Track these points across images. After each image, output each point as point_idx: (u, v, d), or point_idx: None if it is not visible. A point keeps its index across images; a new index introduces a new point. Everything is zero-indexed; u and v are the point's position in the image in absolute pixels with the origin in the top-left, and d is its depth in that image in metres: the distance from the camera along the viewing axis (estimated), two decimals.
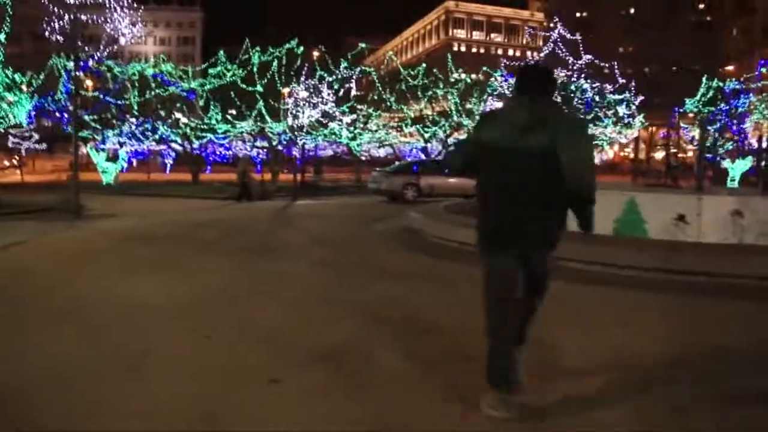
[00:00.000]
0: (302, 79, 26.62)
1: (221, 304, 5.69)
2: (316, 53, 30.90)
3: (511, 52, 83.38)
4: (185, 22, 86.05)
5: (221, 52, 26.84)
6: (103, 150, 28.09)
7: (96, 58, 25.00)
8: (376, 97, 30.32)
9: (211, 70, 27.48)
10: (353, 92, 30.42)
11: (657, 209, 9.21)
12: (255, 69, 27.25)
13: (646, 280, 6.66)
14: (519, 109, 3.13)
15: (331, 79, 27.16)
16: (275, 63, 25.87)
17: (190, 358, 4.11)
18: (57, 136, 31.57)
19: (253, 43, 27.33)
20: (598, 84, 32.12)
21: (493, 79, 29.98)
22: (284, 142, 28.44)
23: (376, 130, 31.73)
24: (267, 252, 9.22)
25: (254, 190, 20.44)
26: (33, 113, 25.87)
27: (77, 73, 18.31)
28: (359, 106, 29.45)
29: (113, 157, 29.65)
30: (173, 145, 31.21)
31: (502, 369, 3.12)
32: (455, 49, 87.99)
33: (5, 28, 16.54)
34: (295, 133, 25.89)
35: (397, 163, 24.96)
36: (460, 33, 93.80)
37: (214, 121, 28.35)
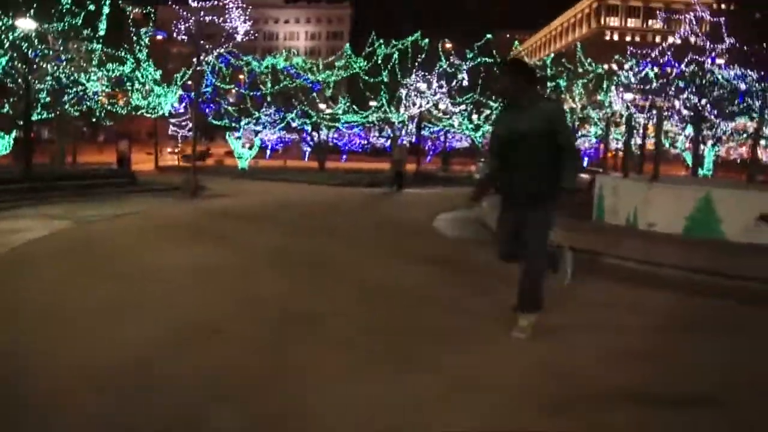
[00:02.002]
0: (417, 70, 26.88)
1: (237, 270, 6.19)
2: (448, 45, 31.01)
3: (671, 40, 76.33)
4: (335, 18, 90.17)
5: (347, 45, 27.91)
6: (239, 138, 30.59)
7: (226, 54, 27.23)
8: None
9: (337, 63, 28.74)
10: (478, 83, 30.08)
11: (736, 207, 8.23)
12: (379, 60, 28.11)
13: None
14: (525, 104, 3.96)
15: (451, 70, 27.14)
16: (396, 54, 26.41)
17: (175, 302, 4.60)
18: (208, 125, 34.90)
19: (396, 37, 28.07)
20: None
21: (623, 68, 27.93)
22: (405, 132, 28.98)
23: None
24: (318, 232, 9.70)
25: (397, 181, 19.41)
26: (184, 104, 29.08)
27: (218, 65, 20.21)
28: (480, 98, 29.08)
29: (251, 145, 32.23)
30: (304, 134, 33.00)
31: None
32: (607, 38, 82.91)
33: (149, 31, 18.77)
34: (410, 122, 26.30)
35: None
36: (614, 21, 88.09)
37: (340, 111, 29.66)
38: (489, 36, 30.12)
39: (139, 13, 18.32)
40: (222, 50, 24.83)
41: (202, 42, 21.73)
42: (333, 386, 3.24)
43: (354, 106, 30.46)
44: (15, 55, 15.06)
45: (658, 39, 77.01)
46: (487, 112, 29.75)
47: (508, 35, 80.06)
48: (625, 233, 8.71)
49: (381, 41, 26.88)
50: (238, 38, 22.92)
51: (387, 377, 3.39)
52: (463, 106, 28.55)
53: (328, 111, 29.31)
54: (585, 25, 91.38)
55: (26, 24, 14.41)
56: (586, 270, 6.36)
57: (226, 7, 20.52)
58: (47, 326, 4.25)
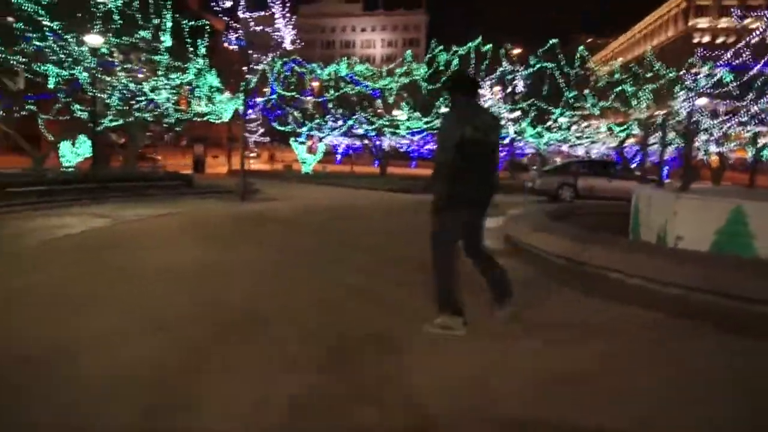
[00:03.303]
0: (477, 76, 26.52)
1: (228, 271, 6.38)
2: (516, 50, 30.55)
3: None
4: (411, 25, 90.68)
5: (408, 52, 28.03)
6: (302, 143, 31.35)
7: (290, 62, 28.03)
8: (569, 96, 28.87)
9: (397, 70, 28.93)
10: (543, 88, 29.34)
11: None
12: (440, 66, 28.06)
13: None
14: (481, 112, 4.43)
15: (509, 76, 26.67)
16: (456, 60, 26.26)
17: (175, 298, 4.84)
18: (276, 131, 36.00)
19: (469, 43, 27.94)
20: None
21: (693, 70, 26.31)
22: None
23: (566, 128, 30.24)
24: (340, 235, 9.77)
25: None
26: (251, 111, 30.23)
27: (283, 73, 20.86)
28: (545, 105, 28.34)
29: (314, 150, 32.97)
30: (369, 140, 33.38)
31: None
32: (695, 40, 78.48)
33: (205, 42, 19.70)
34: None
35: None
36: (702, 23, 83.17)
37: (403, 118, 29.80)
38: (554, 41, 29.33)
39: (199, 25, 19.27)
40: (274, 56, 25.53)
41: (252, 52, 22.47)
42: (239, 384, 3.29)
43: (417, 113, 30.52)
44: (84, 67, 16.19)
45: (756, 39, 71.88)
46: (550, 120, 28.90)
47: (589, 40, 77.49)
48: (636, 248, 8.16)
49: (441, 47, 26.83)
50: (288, 47, 23.47)
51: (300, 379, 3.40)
52: (518, 113, 27.92)
53: (391, 117, 29.49)
54: (672, 27, 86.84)
55: (94, 39, 15.49)
56: (563, 282, 6.18)
57: (274, 16, 21.17)
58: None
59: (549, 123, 28.71)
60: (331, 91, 29.58)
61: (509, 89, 27.86)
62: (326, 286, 5.91)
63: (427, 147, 44.99)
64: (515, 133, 28.43)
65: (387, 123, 29.23)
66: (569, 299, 5.59)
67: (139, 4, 17.33)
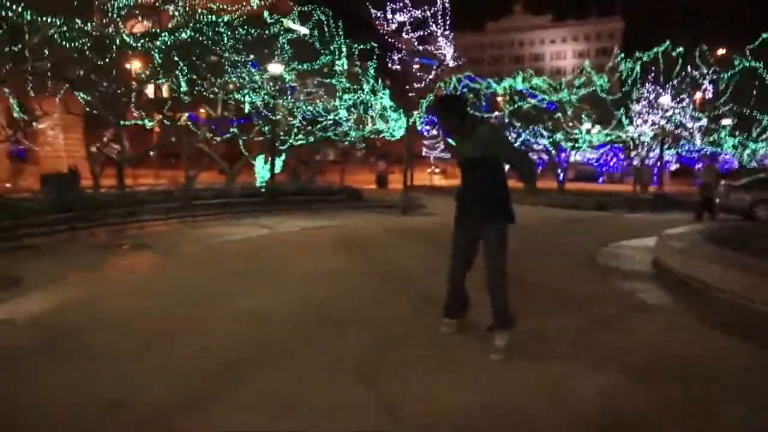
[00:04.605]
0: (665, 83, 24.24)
1: (339, 279, 6.79)
2: (721, 51, 27.60)
3: None
4: (604, 34, 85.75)
5: (586, 63, 26.71)
6: None
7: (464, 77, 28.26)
8: None
9: (576, 81, 27.70)
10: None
11: None
12: (623, 76, 26.28)
13: None
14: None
15: (702, 81, 23.97)
16: (637, 67, 24.38)
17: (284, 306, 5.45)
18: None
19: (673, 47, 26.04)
20: None
21: None
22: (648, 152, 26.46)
23: None
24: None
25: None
26: (429, 128, 31.14)
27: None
28: (751, 112, 24.94)
29: None
30: (545, 155, 32.35)
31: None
32: None
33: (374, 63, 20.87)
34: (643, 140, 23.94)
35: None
36: None
37: (583, 131, 28.43)
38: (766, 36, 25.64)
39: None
40: (437, 72, 25.92)
41: (417, 71, 23.13)
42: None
43: (598, 125, 28.85)
44: (268, 92, 18.17)
45: None
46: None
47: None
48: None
49: (621, 54, 25.04)
50: (450, 63, 23.72)
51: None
52: (704, 121, 24.81)
53: (569, 131, 28.27)
54: None
55: (275, 68, 17.35)
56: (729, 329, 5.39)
57: (434, 34, 21.61)
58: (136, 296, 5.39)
59: (757, 131, 25.13)
60: (507, 106, 29.27)
61: (703, 95, 24.94)
62: (414, 297, 5.96)
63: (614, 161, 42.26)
64: (709, 144, 25.37)
65: (563, 137, 28.01)
66: (738, 354, 4.42)
67: (318, 32, 18.99)
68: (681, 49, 25.15)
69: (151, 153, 36.87)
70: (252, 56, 17.81)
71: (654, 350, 4.44)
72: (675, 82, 25.09)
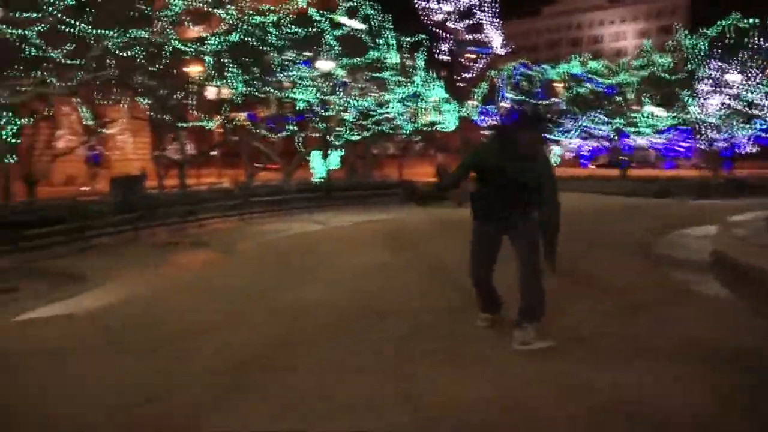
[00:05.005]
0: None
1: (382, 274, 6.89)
2: None
3: None
4: (665, 11, 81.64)
5: (646, 42, 25.66)
6: None
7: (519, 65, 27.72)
8: None
9: (634, 62, 26.69)
10: None
11: None
12: (686, 54, 25.12)
13: None
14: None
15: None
16: (701, 44, 23.19)
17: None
18: None
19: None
20: None
21: None
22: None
23: None
24: None
25: None
26: (484, 118, 30.88)
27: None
28: None
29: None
30: (605, 141, 31.36)
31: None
32: None
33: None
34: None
35: None
36: None
37: (641, 116, 27.39)
38: None
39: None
40: (485, 61, 25.43)
41: (463, 60, 22.79)
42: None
43: (661, 108, 27.66)
44: (319, 89, 18.46)
45: None
46: None
47: None
48: None
49: (685, 31, 23.82)
50: (499, 51, 23.23)
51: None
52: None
53: (627, 115, 27.28)
54: None
55: (324, 65, 17.62)
56: None
57: (482, 23, 21.21)
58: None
59: None
60: (564, 92, 28.51)
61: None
62: (462, 290, 5.96)
63: (682, 144, 40.34)
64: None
65: (623, 122, 27.02)
66: None
67: (366, 26, 19.11)
68: (751, 21, 23.64)
69: (213, 153, 38.13)
70: (301, 54, 18.12)
71: (697, 340, 4.28)
72: (744, 56, 23.64)
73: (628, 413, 3.11)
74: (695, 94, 24.59)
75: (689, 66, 24.17)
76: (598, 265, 7.19)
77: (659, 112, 27.50)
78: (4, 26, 11.02)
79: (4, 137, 12.14)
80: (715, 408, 3.17)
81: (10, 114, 12.19)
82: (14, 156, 12.52)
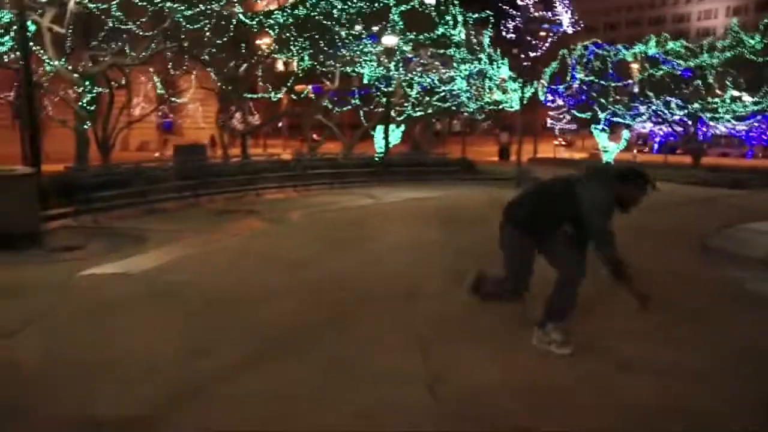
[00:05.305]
0: None
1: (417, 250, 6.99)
2: None
3: None
4: None
5: (734, 20, 24.04)
6: (603, 131, 29.71)
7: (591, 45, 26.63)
8: None
9: (719, 43, 25.14)
10: None
11: None
12: None
13: None
14: None
15: None
16: None
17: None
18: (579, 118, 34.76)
19: None
20: None
21: None
22: None
23: None
24: None
25: None
26: (553, 98, 30.09)
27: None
28: None
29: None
30: (680, 127, 29.86)
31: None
32: None
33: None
34: None
35: None
36: None
37: (721, 100, 25.86)
38: None
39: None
40: (552, 39, 24.54)
41: (531, 39, 22.06)
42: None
43: (745, 92, 26.00)
44: (382, 64, 18.47)
45: None
46: None
47: None
48: None
49: None
50: (567, 30, 22.32)
51: None
52: None
53: (706, 100, 25.78)
54: None
55: (389, 40, 17.57)
56: None
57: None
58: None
59: None
60: (638, 74, 27.23)
61: None
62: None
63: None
64: None
65: (700, 107, 25.57)
66: None
67: (434, 1, 18.89)
68: None
69: (279, 124, 38.90)
70: (367, 28, 18.13)
71: (738, 343, 4.16)
72: None
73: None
74: None
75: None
76: (657, 260, 6.91)
77: (744, 97, 25.86)
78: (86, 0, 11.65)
79: (82, 105, 12.89)
80: None
81: (88, 83, 12.90)
82: (90, 123, 13.28)
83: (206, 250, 7.07)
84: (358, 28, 17.77)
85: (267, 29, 15.74)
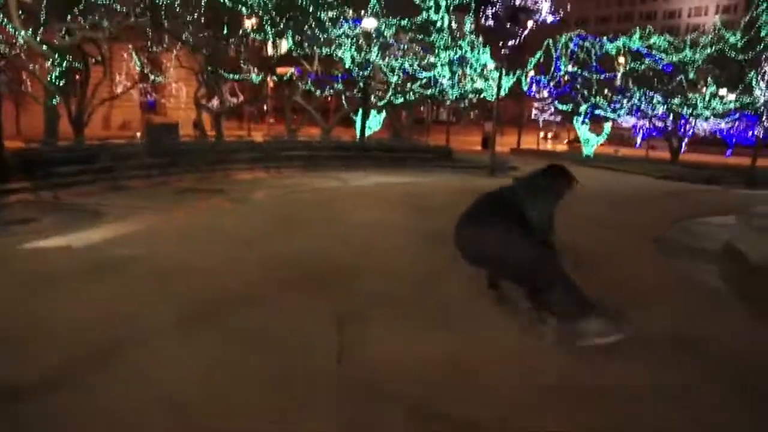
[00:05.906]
0: None
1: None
2: None
3: None
4: None
5: (716, 18, 24.13)
6: (585, 123, 29.84)
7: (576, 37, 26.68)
8: None
9: (702, 39, 25.29)
10: None
11: None
12: (763, 32, 23.62)
13: None
14: None
15: None
16: None
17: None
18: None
19: None
20: None
21: None
22: None
23: None
24: None
25: None
26: (536, 88, 30.13)
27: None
28: None
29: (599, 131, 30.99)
30: (660, 122, 30.05)
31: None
32: None
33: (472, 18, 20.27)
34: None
35: None
36: None
37: (701, 97, 26.07)
38: None
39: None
40: (533, 28, 24.51)
41: (512, 26, 22.04)
42: None
43: (723, 89, 26.23)
44: (357, 47, 18.40)
45: None
46: None
47: None
48: None
49: (765, 4, 22.24)
50: (547, 18, 22.34)
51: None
52: None
53: (686, 96, 25.96)
54: None
55: (368, 23, 17.50)
56: None
57: None
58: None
59: None
60: (620, 68, 27.32)
61: None
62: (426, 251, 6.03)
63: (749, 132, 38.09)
64: None
65: (679, 103, 25.75)
66: None
67: None
68: None
69: (264, 108, 38.63)
70: (347, 11, 18.04)
71: (669, 330, 4.24)
72: None
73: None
74: (764, 76, 23.13)
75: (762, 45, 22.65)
76: (611, 250, 7.01)
77: (723, 94, 26.09)
78: None
79: (51, 79, 12.74)
80: None
81: (57, 56, 12.74)
82: (60, 98, 13.13)
83: (161, 226, 7.06)
84: (332, 13, 17.64)
85: (241, 6, 15.58)
